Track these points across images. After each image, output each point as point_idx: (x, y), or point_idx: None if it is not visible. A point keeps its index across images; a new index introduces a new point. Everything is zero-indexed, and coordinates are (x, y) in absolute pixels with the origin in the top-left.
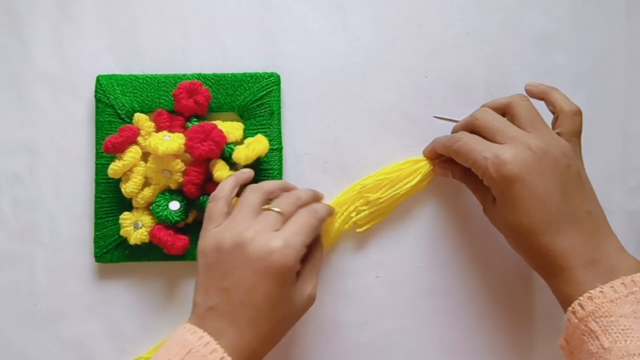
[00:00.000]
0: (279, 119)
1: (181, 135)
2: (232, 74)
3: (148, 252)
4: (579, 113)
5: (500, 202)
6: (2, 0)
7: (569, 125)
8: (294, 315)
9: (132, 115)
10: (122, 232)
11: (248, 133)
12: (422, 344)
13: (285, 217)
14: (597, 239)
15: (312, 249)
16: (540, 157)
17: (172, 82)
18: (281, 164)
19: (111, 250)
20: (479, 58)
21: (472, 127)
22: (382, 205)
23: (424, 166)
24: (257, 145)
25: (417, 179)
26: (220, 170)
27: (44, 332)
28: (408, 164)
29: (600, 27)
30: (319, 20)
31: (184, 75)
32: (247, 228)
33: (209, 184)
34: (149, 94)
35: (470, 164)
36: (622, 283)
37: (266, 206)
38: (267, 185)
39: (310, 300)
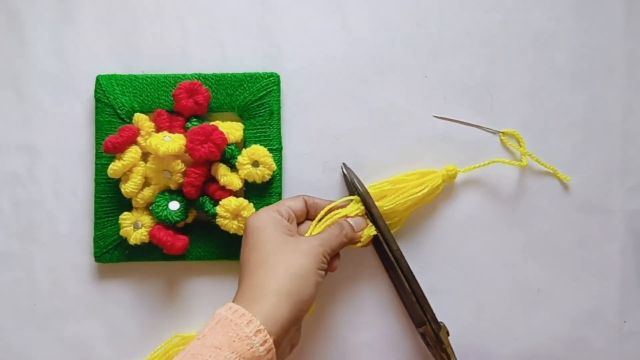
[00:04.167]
0: (279, 119)
1: (182, 136)
2: (232, 74)
3: (148, 252)
4: None
5: None
6: (2, 0)
7: None
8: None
9: (132, 115)
10: (121, 232)
11: (248, 133)
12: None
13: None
14: None
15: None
16: None
17: (172, 82)
18: (281, 164)
19: (111, 250)
20: (479, 58)
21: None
22: (387, 213)
23: (433, 178)
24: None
25: (425, 191)
26: (225, 175)
27: (44, 332)
28: (415, 175)
29: (599, 27)
30: (319, 20)
31: (184, 75)
32: None
33: (209, 184)
34: (149, 94)
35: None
36: None
37: None
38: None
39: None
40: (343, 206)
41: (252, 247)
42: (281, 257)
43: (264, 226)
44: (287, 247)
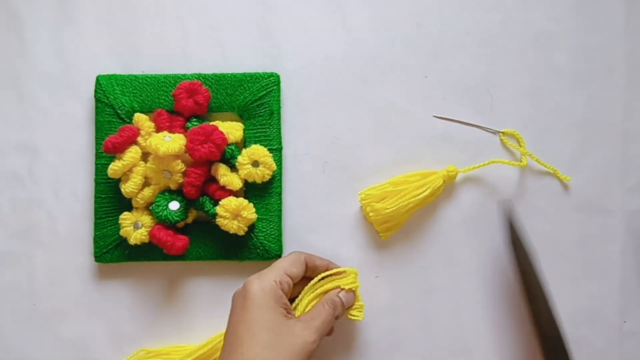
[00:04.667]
0: (279, 119)
1: (182, 136)
2: (232, 74)
3: (148, 252)
4: None
5: None
6: (2, 0)
7: None
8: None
9: (132, 115)
10: (121, 232)
11: (248, 133)
12: (422, 344)
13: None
14: None
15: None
16: None
17: (172, 82)
18: (281, 164)
19: (111, 250)
20: (479, 58)
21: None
22: (388, 215)
23: (434, 180)
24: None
25: (426, 192)
26: (225, 175)
27: (44, 332)
28: (415, 176)
29: (599, 27)
30: (319, 20)
31: (184, 75)
32: None
33: (209, 184)
34: (149, 94)
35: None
36: None
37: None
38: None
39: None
40: (339, 273)
41: (247, 329)
42: (274, 357)
43: (264, 305)
44: (281, 342)
